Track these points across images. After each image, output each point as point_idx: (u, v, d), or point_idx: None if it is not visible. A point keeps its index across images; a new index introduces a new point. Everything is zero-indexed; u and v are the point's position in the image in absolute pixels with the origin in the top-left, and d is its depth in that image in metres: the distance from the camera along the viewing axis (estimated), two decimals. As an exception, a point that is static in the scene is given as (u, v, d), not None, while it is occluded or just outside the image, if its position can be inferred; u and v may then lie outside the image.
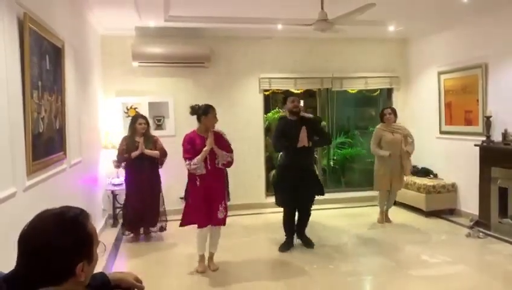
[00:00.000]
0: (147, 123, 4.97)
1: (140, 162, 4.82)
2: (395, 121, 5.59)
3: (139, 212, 4.84)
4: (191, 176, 3.99)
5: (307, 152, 4.51)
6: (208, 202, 3.93)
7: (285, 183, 4.52)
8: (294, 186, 4.46)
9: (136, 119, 4.96)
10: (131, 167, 4.88)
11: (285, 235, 4.66)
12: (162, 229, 5.03)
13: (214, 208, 3.96)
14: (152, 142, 4.92)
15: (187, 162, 3.90)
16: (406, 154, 5.52)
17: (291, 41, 6.58)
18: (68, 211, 1.17)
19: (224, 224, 4.05)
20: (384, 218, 5.70)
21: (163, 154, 4.93)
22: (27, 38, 2.71)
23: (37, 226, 1.12)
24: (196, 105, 4.05)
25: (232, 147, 4.09)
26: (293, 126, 4.46)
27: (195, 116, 4.24)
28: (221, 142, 4.00)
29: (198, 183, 3.92)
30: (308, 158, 4.62)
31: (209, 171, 3.91)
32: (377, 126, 5.65)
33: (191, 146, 3.93)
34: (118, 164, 5.15)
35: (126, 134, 5.02)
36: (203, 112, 3.96)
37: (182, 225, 4.06)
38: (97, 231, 1.25)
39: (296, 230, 4.71)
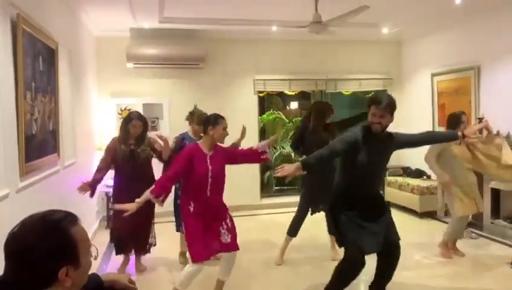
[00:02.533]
0: (145, 125, 4.05)
1: (132, 171, 3.95)
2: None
3: (130, 230, 3.94)
4: (184, 199, 3.29)
5: None
6: (207, 230, 3.19)
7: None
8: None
9: (129, 119, 3.99)
10: (121, 175, 4.03)
11: None
12: (151, 245, 4.23)
13: (215, 234, 3.21)
14: (147, 144, 4.06)
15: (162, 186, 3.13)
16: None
17: (285, 43, 6.60)
18: (51, 215, 1.15)
19: (237, 248, 3.30)
20: None
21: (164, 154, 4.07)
22: (20, 40, 2.71)
23: (19, 230, 1.12)
24: (197, 110, 3.53)
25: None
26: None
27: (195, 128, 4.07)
28: (237, 153, 3.52)
29: (192, 210, 3.20)
30: None
31: (209, 198, 3.22)
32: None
33: (188, 162, 3.16)
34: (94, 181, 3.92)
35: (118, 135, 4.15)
36: (210, 122, 3.24)
37: (197, 260, 3.14)
38: (90, 233, 1.24)
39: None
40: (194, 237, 3.16)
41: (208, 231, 3.19)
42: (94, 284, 1.37)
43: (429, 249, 4.64)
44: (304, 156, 3.47)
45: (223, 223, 3.26)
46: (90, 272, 1.30)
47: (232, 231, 3.30)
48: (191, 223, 3.19)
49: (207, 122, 3.27)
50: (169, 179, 3.21)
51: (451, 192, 4.23)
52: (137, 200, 3.11)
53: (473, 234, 5.05)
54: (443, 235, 4.46)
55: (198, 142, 3.35)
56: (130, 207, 3.09)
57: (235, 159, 3.48)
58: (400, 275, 3.94)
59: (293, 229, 4.30)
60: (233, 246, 3.27)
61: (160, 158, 4.11)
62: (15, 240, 1.11)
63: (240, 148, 3.77)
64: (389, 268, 3.18)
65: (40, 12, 3.30)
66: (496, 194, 5.12)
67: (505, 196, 5.11)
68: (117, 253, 4.13)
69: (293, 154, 6.98)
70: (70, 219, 1.17)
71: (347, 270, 3.05)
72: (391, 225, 3.17)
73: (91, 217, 5.17)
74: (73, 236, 1.14)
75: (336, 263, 3.24)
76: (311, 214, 4.36)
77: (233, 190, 5.99)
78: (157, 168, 4.17)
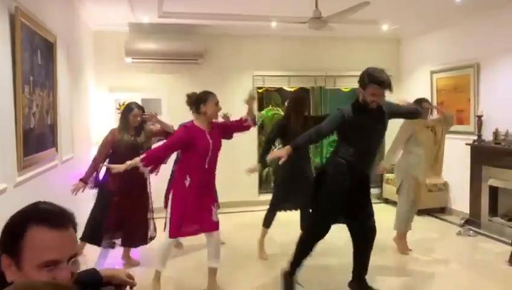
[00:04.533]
0: (144, 114, 4.04)
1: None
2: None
3: (119, 221, 3.88)
4: (179, 173, 3.35)
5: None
6: (197, 206, 3.27)
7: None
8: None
9: (130, 109, 3.98)
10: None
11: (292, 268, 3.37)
12: (152, 238, 4.14)
13: (205, 210, 3.29)
14: (147, 135, 4.05)
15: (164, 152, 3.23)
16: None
17: (285, 39, 6.57)
18: (37, 205, 1.09)
19: (218, 228, 3.38)
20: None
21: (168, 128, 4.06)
22: (18, 33, 2.69)
23: None
24: (193, 93, 3.53)
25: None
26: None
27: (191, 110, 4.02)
28: (230, 125, 3.55)
29: (187, 184, 3.25)
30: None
31: (206, 170, 3.31)
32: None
33: (186, 137, 3.23)
34: (92, 170, 3.88)
35: (116, 127, 4.07)
36: (201, 100, 3.30)
37: (173, 236, 3.30)
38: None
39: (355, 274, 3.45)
40: (177, 213, 3.23)
41: (198, 207, 3.25)
42: (92, 279, 1.37)
43: (426, 246, 4.66)
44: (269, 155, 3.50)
45: (215, 203, 3.41)
46: (88, 267, 1.29)
47: (214, 211, 3.37)
48: (180, 198, 3.26)
49: (198, 101, 3.33)
50: (162, 150, 3.29)
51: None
52: (127, 162, 3.17)
53: (471, 232, 5.06)
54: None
55: (193, 121, 3.39)
56: (119, 167, 3.19)
57: (228, 130, 3.55)
58: (397, 272, 3.97)
59: (267, 221, 4.32)
60: (217, 226, 3.34)
61: (166, 135, 3.99)
62: None
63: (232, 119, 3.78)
64: (365, 248, 3.32)
65: (39, 5, 3.27)
66: (493, 192, 5.13)
67: (503, 194, 5.12)
68: (84, 239, 3.89)
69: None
70: (44, 218, 1.03)
71: (308, 241, 3.27)
72: (369, 206, 3.30)
73: (88, 213, 5.15)
74: (24, 231, 1.01)
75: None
76: (279, 210, 4.32)
77: (232, 186, 6.02)
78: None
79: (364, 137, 3.08)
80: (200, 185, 3.27)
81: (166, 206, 4.11)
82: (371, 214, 3.31)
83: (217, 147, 3.35)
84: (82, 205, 4.02)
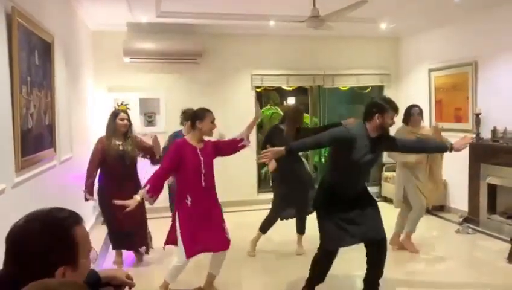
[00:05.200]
0: (129, 120, 4.01)
1: (123, 170, 3.90)
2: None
3: (126, 228, 3.93)
4: (179, 194, 3.28)
5: None
6: (206, 224, 3.24)
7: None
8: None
9: (115, 114, 3.98)
10: (111, 175, 3.93)
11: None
12: (147, 250, 4.23)
13: (216, 228, 3.29)
14: (134, 144, 4.01)
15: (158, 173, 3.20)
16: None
17: (283, 38, 6.57)
18: (56, 213, 1.14)
19: (229, 246, 3.37)
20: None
21: (156, 152, 4.06)
22: (15, 33, 2.68)
23: (22, 225, 1.11)
24: (189, 109, 3.51)
25: None
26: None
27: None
28: (222, 146, 3.49)
29: (189, 203, 3.22)
30: None
31: (204, 188, 3.25)
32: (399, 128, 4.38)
33: (177, 158, 3.22)
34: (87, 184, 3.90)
35: (104, 134, 4.03)
36: (198, 117, 3.30)
37: (189, 255, 3.21)
38: (87, 228, 1.22)
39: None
40: (186, 234, 3.19)
41: (207, 226, 3.23)
42: (91, 279, 1.36)
43: (425, 244, 4.66)
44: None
45: (223, 219, 3.37)
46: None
47: (223, 228, 3.36)
48: (186, 218, 3.22)
49: (195, 117, 3.32)
50: (160, 177, 3.22)
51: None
52: (135, 196, 3.11)
53: (470, 230, 5.07)
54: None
55: (185, 137, 3.41)
56: (131, 203, 3.09)
57: (221, 150, 3.50)
58: (397, 270, 3.97)
59: (264, 227, 4.41)
60: (225, 245, 3.33)
61: (152, 159, 4.06)
62: (17, 233, 1.10)
63: (225, 138, 3.79)
64: (378, 261, 3.28)
65: (36, 5, 3.26)
66: (492, 189, 5.14)
67: (501, 192, 5.13)
68: (114, 247, 4.13)
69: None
70: (74, 219, 1.15)
71: (323, 260, 3.25)
72: (377, 219, 3.25)
73: (87, 213, 5.15)
74: (75, 237, 1.12)
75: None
76: (281, 219, 4.43)
77: (231, 185, 6.01)
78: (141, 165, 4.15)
79: (360, 163, 3.08)
80: (202, 203, 3.24)
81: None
82: (376, 226, 3.24)
83: (209, 164, 3.31)
84: (78, 204, 4.02)
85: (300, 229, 4.47)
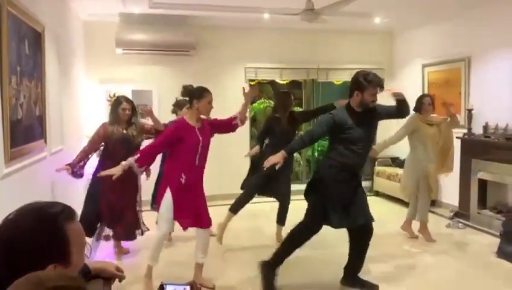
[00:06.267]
0: (133, 108, 4.02)
1: (127, 156, 3.72)
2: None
3: (110, 214, 3.96)
4: (171, 170, 3.32)
5: None
6: (193, 202, 3.33)
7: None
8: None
9: (119, 103, 4.00)
10: (113, 160, 3.70)
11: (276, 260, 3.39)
12: (143, 232, 4.17)
13: (201, 207, 3.36)
14: (139, 131, 4.03)
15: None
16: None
17: (277, 31, 6.54)
18: (49, 208, 1.10)
19: (209, 225, 3.45)
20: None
21: (156, 124, 4.08)
22: (5, 22, 2.62)
23: (13, 219, 1.08)
24: (190, 85, 3.51)
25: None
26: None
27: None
28: (218, 124, 3.51)
29: (183, 181, 3.26)
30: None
31: (196, 167, 3.32)
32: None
33: (174, 136, 3.25)
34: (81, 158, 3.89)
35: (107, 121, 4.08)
36: (195, 95, 3.29)
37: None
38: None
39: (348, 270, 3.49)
40: (175, 200, 3.24)
41: (194, 203, 3.31)
42: (81, 272, 1.35)
43: (417, 239, 4.70)
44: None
45: (205, 197, 3.41)
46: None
47: (207, 208, 3.41)
48: (178, 191, 3.25)
49: (192, 95, 3.31)
50: (154, 147, 3.32)
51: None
52: (122, 163, 3.15)
53: (460, 224, 5.12)
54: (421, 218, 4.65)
55: (184, 116, 3.40)
56: (116, 171, 3.13)
57: (217, 128, 3.53)
58: (388, 264, 4.00)
59: (235, 207, 4.39)
60: (207, 222, 3.37)
61: (156, 133, 4.01)
62: (7, 227, 1.07)
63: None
64: (362, 248, 3.37)
65: (26, -6, 3.20)
66: (482, 184, 5.18)
67: (492, 187, 5.18)
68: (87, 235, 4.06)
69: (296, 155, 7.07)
70: (67, 214, 1.12)
71: (301, 234, 3.30)
72: (364, 204, 3.32)
73: (79, 206, 5.11)
74: (67, 234, 1.08)
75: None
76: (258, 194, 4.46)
77: (225, 178, 6.00)
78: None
79: (356, 139, 3.18)
80: (193, 182, 3.30)
81: (154, 207, 4.20)
82: (364, 214, 3.31)
83: (207, 144, 3.36)
84: (68, 197, 3.99)
85: (281, 219, 4.45)
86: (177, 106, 4.45)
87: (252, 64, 6.62)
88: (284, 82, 7.01)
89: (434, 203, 6.10)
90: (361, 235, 3.35)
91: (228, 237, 4.61)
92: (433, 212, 5.81)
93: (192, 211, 3.32)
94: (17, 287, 0.86)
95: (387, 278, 3.68)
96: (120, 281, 1.48)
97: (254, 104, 7.64)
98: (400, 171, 6.26)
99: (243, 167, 6.68)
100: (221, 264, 3.96)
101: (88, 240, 1.25)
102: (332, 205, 3.20)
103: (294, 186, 4.69)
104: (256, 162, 4.41)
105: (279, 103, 4.47)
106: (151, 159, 3.32)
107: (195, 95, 3.29)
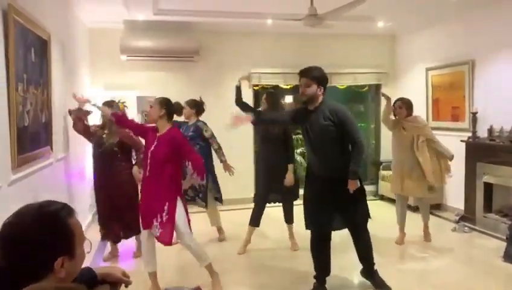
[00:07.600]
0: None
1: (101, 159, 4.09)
2: (408, 115, 4.63)
3: (115, 213, 4.08)
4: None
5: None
6: (148, 202, 3.32)
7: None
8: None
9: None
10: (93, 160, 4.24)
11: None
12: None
13: (161, 217, 3.23)
14: (115, 134, 4.06)
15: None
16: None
17: (281, 36, 6.57)
18: (48, 206, 1.15)
19: (167, 243, 3.24)
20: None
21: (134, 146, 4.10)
22: (12, 30, 2.66)
23: (15, 220, 1.11)
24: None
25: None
26: None
27: (183, 111, 4.50)
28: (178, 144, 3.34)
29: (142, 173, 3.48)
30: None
31: (147, 177, 3.32)
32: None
33: (140, 129, 3.70)
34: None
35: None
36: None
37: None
38: (83, 227, 1.24)
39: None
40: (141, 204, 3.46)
41: (149, 205, 3.30)
42: (87, 277, 1.36)
43: (422, 243, 4.68)
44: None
45: (158, 215, 3.21)
46: (84, 266, 1.29)
47: (167, 224, 3.20)
48: (142, 189, 3.51)
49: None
50: (133, 123, 3.76)
51: None
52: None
53: (466, 228, 5.09)
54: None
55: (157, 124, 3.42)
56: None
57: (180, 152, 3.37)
58: (393, 268, 3.98)
59: (253, 219, 4.43)
60: (164, 239, 3.23)
61: (133, 143, 4.07)
62: (11, 229, 1.10)
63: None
64: (358, 249, 3.48)
65: (32, 2, 3.24)
66: (488, 188, 5.16)
67: (497, 190, 5.15)
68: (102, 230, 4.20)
69: (300, 161, 7.08)
70: (67, 210, 1.18)
71: (313, 247, 3.47)
72: (353, 206, 3.31)
73: (84, 211, 5.13)
74: (71, 227, 1.15)
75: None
76: (266, 202, 4.46)
77: (228, 184, 5.99)
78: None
79: (311, 135, 3.25)
80: (146, 190, 3.36)
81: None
82: (351, 220, 3.37)
83: (158, 152, 3.24)
84: (74, 203, 4.01)
85: (289, 218, 4.48)
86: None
87: (255, 70, 6.63)
88: (288, 87, 7.02)
89: (439, 207, 6.09)
90: (353, 238, 3.46)
91: (233, 243, 4.62)
92: (438, 216, 5.80)
93: (149, 217, 3.26)
94: None
95: (391, 283, 3.66)
96: (126, 286, 1.48)
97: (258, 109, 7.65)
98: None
99: (249, 173, 6.72)
100: (232, 270, 3.95)
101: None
102: (313, 202, 3.36)
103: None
104: (256, 170, 4.57)
105: (269, 100, 4.51)
106: (124, 125, 3.70)
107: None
